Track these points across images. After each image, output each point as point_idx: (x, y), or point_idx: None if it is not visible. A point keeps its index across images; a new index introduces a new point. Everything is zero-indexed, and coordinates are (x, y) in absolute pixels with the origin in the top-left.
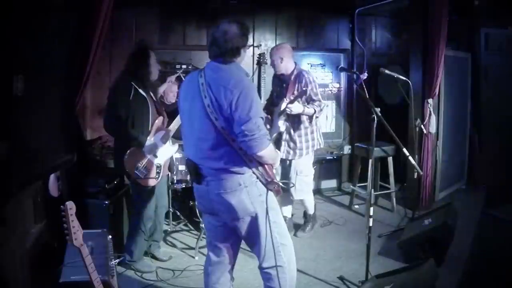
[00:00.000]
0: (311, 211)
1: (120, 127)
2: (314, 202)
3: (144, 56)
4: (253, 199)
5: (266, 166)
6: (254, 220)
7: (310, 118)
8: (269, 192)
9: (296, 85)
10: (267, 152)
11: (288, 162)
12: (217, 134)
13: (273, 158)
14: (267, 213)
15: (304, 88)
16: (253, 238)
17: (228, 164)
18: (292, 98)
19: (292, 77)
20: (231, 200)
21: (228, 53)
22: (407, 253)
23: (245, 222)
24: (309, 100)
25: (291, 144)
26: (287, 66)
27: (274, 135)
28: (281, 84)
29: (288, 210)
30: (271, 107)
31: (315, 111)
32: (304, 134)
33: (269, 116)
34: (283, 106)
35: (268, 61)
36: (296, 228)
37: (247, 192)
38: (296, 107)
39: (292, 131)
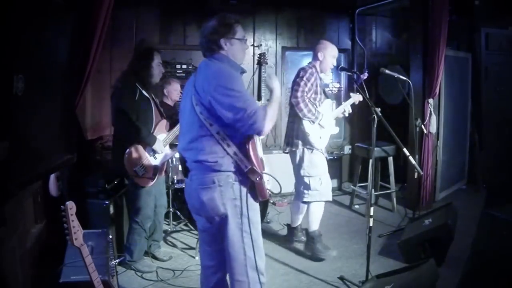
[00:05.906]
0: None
1: (130, 123)
2: None
3: (147, 58)
4: (225, 200)
5: (251, 151)
6: (224, 224)
7: None
8: (249, 200)
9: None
10: (269, 123)
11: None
12: (199, 122)
13: (274, 116)
14: (241, 220)
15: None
16: (222, 241)
17: (208, 155)
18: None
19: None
20: (203, 197)
21: (209, 47)
22: (407, 253)
23: (215, 223)
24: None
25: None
26: None
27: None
28: (320, 81)
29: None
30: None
31: None
32: None
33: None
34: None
35: (269, 61)
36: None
37: (220, 191)
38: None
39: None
